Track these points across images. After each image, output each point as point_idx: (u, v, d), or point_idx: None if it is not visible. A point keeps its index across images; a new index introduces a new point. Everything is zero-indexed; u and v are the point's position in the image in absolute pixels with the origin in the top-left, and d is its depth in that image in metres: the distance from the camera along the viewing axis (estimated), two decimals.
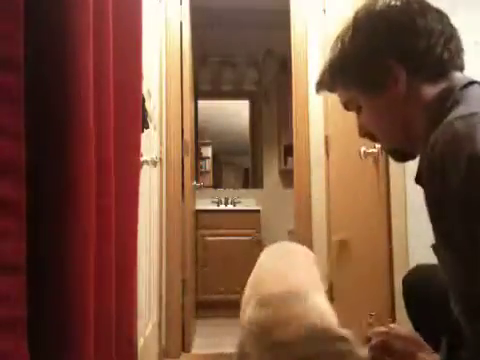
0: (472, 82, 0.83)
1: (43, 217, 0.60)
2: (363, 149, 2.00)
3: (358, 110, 0.96)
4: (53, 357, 0.58)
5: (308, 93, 2.89)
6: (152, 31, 2.44)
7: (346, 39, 0.92)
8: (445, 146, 0.69)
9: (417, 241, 1.78)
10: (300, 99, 2.90)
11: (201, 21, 3.65)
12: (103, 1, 0.84)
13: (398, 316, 1.79)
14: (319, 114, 2.85)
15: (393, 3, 0.87)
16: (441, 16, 0.87)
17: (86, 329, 0.61)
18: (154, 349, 2.44)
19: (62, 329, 0.58)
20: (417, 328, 1.14)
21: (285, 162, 4.60)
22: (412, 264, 1.74)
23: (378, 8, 0.89)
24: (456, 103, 0.80)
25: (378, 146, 1.93)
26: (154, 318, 2.45)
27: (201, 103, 4.69)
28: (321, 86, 1.01)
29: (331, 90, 1.00)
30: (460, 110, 0.75)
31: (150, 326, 2.29)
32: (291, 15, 2.95)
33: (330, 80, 0.98)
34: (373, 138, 0.99)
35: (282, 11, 3.06)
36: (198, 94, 4.48)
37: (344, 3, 2.45)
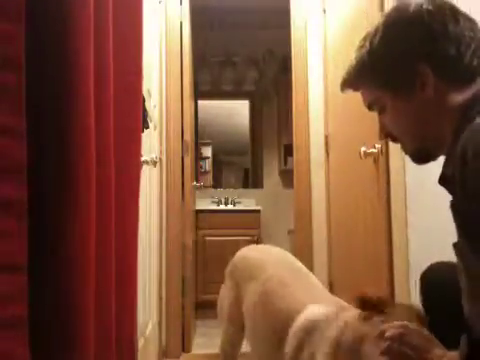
0: None
1: (43, 217, 0.60)
2: (363, 149, 2.00)
3: (381, 110, 0.97)
4: (53, 357, 0.58)
5: (308, 93, 2.89)
6: (152, 31, 2.44)
7: (376, 39, 0.92)
8: (476, 149, 0.70)
9: (417, 241, 1.78)
10: (300, 99, 2.90)
11: (201, 21, 3.65)
12: (103, 1, 0.84)
13: None
14: (319, 114, 2.85)
15: (425, 7, 0.88)
16: (472, 23, 0.88)
17: (86, 329, 0.61)
18: (154, 349, 2.44)
19: (62, 329, 0.58)
20: (432, 325, 1.14)
21: (285, 162, 4.60)
22: (412, 263, 1.74)
23: (411, 10, 0.89)
24: None
25: (378, 146, 1.93)
26: (154, 318, 2.45)
27: (201, 103, 4.69)
28: (347, 84, 1.02)
29: (356, 89, 1.01)
30: None
31: (150, 326, 2.29)
32: (291, 15, 2.95)
33: (357, 79, 0.98)
34: (394, 139, 0.99)
35: (282, 11, 3.07)
36: (198, 94, 4.48)
37: (344, 3, 2.45)
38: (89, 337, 0.62)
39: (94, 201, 0.69)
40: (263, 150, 4.77)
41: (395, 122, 0.95)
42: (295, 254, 2.98)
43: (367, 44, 0.94)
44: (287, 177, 4.43)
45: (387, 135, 0.99)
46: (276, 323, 1.26)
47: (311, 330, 1.11)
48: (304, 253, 2.83)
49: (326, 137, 2.82)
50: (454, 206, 0.75)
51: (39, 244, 0.57)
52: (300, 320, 1.17)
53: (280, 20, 3.22)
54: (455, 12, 0.88)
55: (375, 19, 1.97)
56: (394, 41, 0.90)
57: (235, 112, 4.88)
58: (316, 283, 1.40)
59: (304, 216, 2.86)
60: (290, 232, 3.91)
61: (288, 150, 4.20)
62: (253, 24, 4.35)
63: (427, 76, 0.86)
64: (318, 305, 1.17)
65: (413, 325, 0.94)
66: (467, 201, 0.71)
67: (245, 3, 4.21)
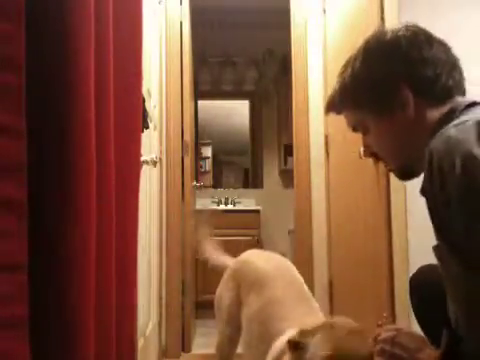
0: (474, 103, 0.88)
1: (43, 216, 0.60)
2: (363, 149, 1.99)
3: (365, 132, 1.02)
4: (53, 357, 0.58)
5: (308, 93, 2.89)
6: (152, 31, 2.44)
7: (357, 64, 0.97)
8: (440, 152, 0.73)
9: (417, 241, 1.78)
10: (300, 99, 2.90)
11: (201, 21, 3.65)
12: (103, 1, 0.84)
13: (398, 315, 1.79)
14: (319, 114, 2.85)
15: (402, 33, 0.94)
16: (445, 47, 0.94)
17: (86, 329, 0.62)
18: (154, 349, 2.44)
19: (62, 329, 0.58)
20: (423, 327, 1.16)
21: (285, 162, 4.60)
22: (412, 264, 1.74)
23: (388, 37, 0.95)
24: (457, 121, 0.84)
25: None
26: (154, 318, 2.45)
27: (201, 103, 4.69)
28: (330, 108, 1.08)
29: (339, 112, 1.07)
30: (454, 123, 0.79)
31: (150, 326, 2.29)
32: (291, 15, 2.95)
33: (340, 103, 1.04)
34: (377, 158, 1.06)
35: (282, 11, 3.07)
36: (198, 94, 4.48)
37: (344, 3, 2.45)
38: (89, 337, 0.62)
39: (94, 201, 0.69)
40: (263, 150, 4.78)
41: (379, 142, 1.00)
42: (295, 254, 2.98)
43: (349, 69, 0.99)
44: (287, 177, 4.44)
45: (371, 155, 1.05)
46: (266, 340, 1.30)
47: (283, 352, 1.14)
48: (304, 253, 2.83)
49: (326, 137, 2.82)
50: (431, 210, 0.78)
51: (39, 244, 0.57)
52: (279, 341, 1.22)
53: (280, 20, 3.22)
54: (429, 38, 0.94)
55: (375, 19, 1.97)
56: (375, 66, 0.95)
57: (235, 112, 4.88)
58: (314, 306, 1.43)
59: (304, 216, 2.86)
60: (290, 232, 3.91)
61: (288, 150, 4.21)
62: (253, 24, 4.35)
63: (407, 97, 0.91)
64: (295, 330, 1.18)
65: (408, 327, 0.96)
66: (441, 206, 0.74)
67: (245, 3, 4.21)
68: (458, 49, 0.97)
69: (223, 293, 1.68)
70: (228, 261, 1.83)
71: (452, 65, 0.93)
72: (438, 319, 1.02)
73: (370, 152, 1.04)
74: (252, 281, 1.52)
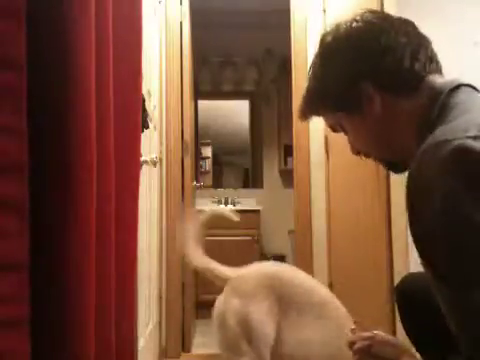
0: (458, 85, 0.83)
1: (43, 216, 0.60)
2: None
3: (344, 131, 0.99)
4: (53, 356, 0.58)
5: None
6: (152, 31, 2.44)
7: (317, 68, 0.95)
8: (418, 185, 0.71)
9: None
10: (300, 99, 2.89)
11: (201, 21, 3.65)
12: (103, 1, 0.84)
13: (398, 315, 1.78)
14: None
15: (355, 25, 0.90)
16: (405, 26, 0.88)
17: (87, 328, 0.62)
18: (154, 349, 2.44)
19: (62, 328, 0.58)
20: (409, 334, 1.15)
21: (285, 162, 4.60)
22: (412, 264, 1.74)
23: (342, 31, 0.91)
24: (442, 112, 0.80)
25: None
26: (154, 318, 2.45)
27: (201, 103, 4.69)
28: (302, 114, 1.04)
29: (309, 117, 1.04)
30: (439, 132, 0.74)
31: (150, 326, 2.29)
32: (291, 15, 2.95)
33: (310, 107, 1.01)
34: (365, 156, 1.02)
35: (282, 11, 3.06)
36: (198, 94, 4.48)
37: (344, 3, 2.45)
38: (89, 337, 0.62)
39: (94, 201, 0.69)
40: (263, 150, 4.77)
41: (358, 140, 0.97)
42: (295, 254, 2.98)
43: (311, 73, 0.97)
44: (287, 177, 4.43)
45: (359, 152, 1.01)
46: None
47: None
48: (304, 253, 2.83)
49: (326, 137, 2.82)
50: (412, 235, 0.76)
51: (39, 243, 0.57)
52: None
53: (280, 20, 3.22)
54: (385, 22, 0.89)
55: None
56: (332, 67, 0.92)
57: (235, 112, 4.88)
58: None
59: (304, 216, 2.86)
60: (290, 232, 3.91)
61: (288, 150, 4.20)
62: (253, 24, 4.35)
63: (371, 92, 0.87)
64: None
65: (384, 334, 0.95)
66: (414, 224, 0.73)
67: (245, 3, 4.21)
68: (458, 49, 0.95)
69: (254, 310, 1.39)
70: (229, 272, 1.64)
71: (415, 46, 0.86)
72: (425, 326, 1.02)
73: (357, 150, 1.01)
74: (299, 301, 1.36)
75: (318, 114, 1.01)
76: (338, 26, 0.92)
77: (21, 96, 0.48)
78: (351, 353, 0.94)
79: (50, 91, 0.60)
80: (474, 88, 0.84)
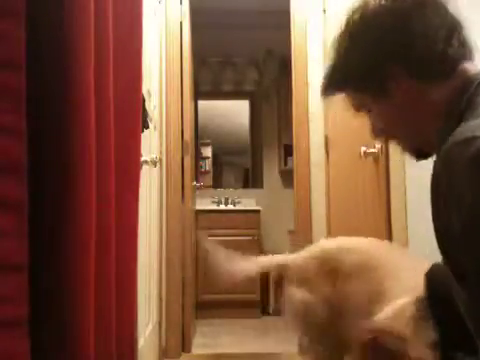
0: None
1: (43, 217, 0.60)
2: (363, 149, 2.00)
3: (367, 111, 0.95)
4: (53, 356, 0.58)
5: (308, 93, 2.89)
6: (152, 31, 2.44)
7: (341, 46, 0.91)
8: (443, 182, 0.69)
9: (417, 241, 1.78)
10: (300, 99, 2.90)
11: (201, 21, 3.65)
12: (103, 1, 0.84)
13: None
14: (319, 114, 2.85)
15: (384, 2, 0.83)
16: (438, 7, 0.81)
17: (86, 329, 0.62)
18: (154, 349, 2.44)
19: (62, 328, 0.58)
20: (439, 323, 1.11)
21: (285, 162, 4.60)
22: None
23: (370, 8, 0.85)
24: (471, 104, 0.76)
25: (378, 146, 1.93)
26: (154, 318, 2.45)
27: (201, 103, 4.69)
28: (325, 91, 0.98)
29: (338, 93, 0.98)
30: (466, 128, 0.70)
31: (150, 326, 2.29)
32: (291, 15, 2.95)
33: (333, 87, 0.96)
34: (387, 137, 0.98)
35: (282, 11, 3.06)
36: (198, 94, 4.48)
37: (344, 3, 2.45)
38: (89, 337, 0.62)
39: (94, 201, 0.69)
40: (263, 150, 4.77)
41: (382, 121, 0.93)
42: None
43: (335, 53, 0.92)
44: (287, 177, 4.43)
45: (378, 134, 0.97)
46: None
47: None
48: None
49: (326, 137, 2.82)
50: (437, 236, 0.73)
51: (39, 244, 0.57)
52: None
53: (280, 20, 3.22)
54: (417, 2, 0.82)
55: None
56: (359, 47, 0.87)
57: (235, 112, 4.88)
58: None
59: (304, 216, 2.86)
60: (290, 232, 3.91)
61: (288, 150, 4.20)
62: (253, 24, 4.35)
63: (399, 75, 0.82)
64: None
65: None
66: (438, 220, 0.70)
67: (245, 3, 4.21)
68: None
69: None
70: (263, 262, 1.49)
71: (449, 29, 0.80)
72: (452, 316, 0.99)
73: (376, 132, 0.96)
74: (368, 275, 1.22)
75: (338, 92, 0.96)
76: (366, 2, 0.85)
77: (20, 96, 0.48)
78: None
79: (49, 91, 0.60)
80: None
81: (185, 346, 2.84)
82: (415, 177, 1.76)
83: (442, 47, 0.79)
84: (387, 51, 0.82)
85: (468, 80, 0.78)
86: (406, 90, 0.83)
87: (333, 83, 0.95)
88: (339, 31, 0.91)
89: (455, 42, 0.79)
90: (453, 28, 0.80)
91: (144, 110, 1.74)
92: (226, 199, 4.53)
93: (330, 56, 0.95)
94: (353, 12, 0.88)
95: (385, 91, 0.85)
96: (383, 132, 0.95)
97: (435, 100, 0.81)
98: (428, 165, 0.98)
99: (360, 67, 0.87)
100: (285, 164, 4.59)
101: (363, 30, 0.86)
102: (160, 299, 2.67)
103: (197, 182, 3.83)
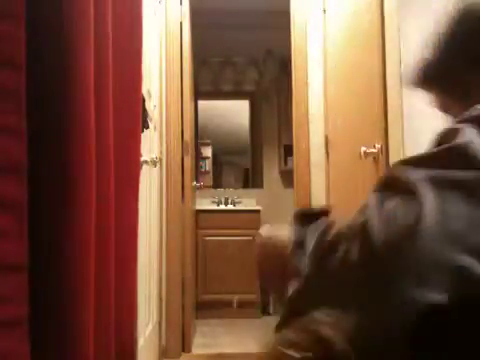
0: None
1: (43, 217, 0.60)
2: (363, 149, 2.00)
3: (450, 114, 0.93)
4: (53, 356, 0.58)
5: (308, 93, 2.89)
6: (152, 31, 2.44)
7: (442, 44, 0.88)
8: None
9: None
10: (300, 99, 2.90)
11: (201, 21, 3.65)
12: (103, 1, 0.84)
13: None
14: (319, 114, 2.86)
15: None
16: None
17: (86, 329, 0.62)
18: (154, 349, 2.44)
19: (62, 328, 0.58)
20: None
21: (285, 162, 4.60)
22: None
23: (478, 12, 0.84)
24: None
25: (378, 146, 1.93)
26: (154, 318, 2.45)
27: (201, 103, 4.69)
28: (415, 85, 0.97)
29: (421, 89, 0.96)
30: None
31: (150, 326, 2.29)
32: (291, 15, 2.95)
33: (423, 84, 0.95)
34: None
35: (282, 11, 3.07)
36: (198, 94, 4.48)
37: (344, 3, 2.45)
38: (88, 337, 0.62)
39: (94, 201, 0.69)
40: (263, 150, 4.78)
41: None
42: None
43: (433, 50, 0.90)
44: (287, 177, 4.44)
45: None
46: None
47: None
48: None
49: (326, 137, 2.82)
50: None
51: (39, 244, 0.57)
52: None
53: (280, 20, 3.22)
54: None
55: (375, 19, 1.97)
56: (459, 50, 0.86)
57: (235, 112, 4.88)
58: None
59: None
60: None
61: (288, 150, 4.21)
62: (253, 24, 4.35)
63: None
64: None
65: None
66: None
67: (245, 3, 4.21)
68: None
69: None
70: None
71: None
72: None
73: None
74: None
75: (429, 91, 0.95)
76: (475, 5, 0.85)
77: (20, 96, 0.48)
78: None
79: (49, 91, 0.60)
80: None
81: (185, 346, 2.84)
82: None
83: None
84: None
85: None
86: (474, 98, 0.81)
87: (423, 81, 0.93)
88: (443, 26, 0.89)
89: None
90: None
91: (144, 110, 1.74)
92: (226, 199, 4.54)
93: (426, 50, 0.92)
94: (459, 11, 0.87)
95: (467, 96, 0.84)
96: None
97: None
98: None
99: (454, 70, 0.86)
100: (285, 164, 4.60)
101: (468, 32, 0.85)
102: (160, 299, 2.67)
103: (197, 182, 3.83)
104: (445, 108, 0.93)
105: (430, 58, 0.89)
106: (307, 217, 0.78)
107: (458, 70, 0.85)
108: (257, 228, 4.12)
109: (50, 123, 0.60)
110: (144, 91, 1.72)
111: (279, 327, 0.64)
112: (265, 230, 0.86)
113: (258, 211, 4.17)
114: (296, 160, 2.92)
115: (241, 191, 4.68)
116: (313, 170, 2.86)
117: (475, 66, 0.82)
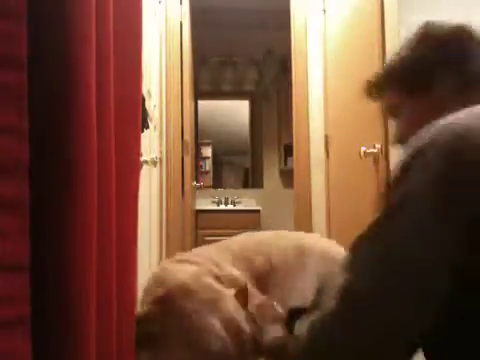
0: None
1: (44, 217, 0.60)
2: (363, 149, 2.00)
3: (398, 115, 1.07)
4: (54, 356, 0.58)
5: (308, 93, 2.89)
6: (152, 31, 2.44)
7: (407, 50, 1.05)
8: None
9: None
10: (300, 99, 2.90)
11: (201, 21, 3.65)
12: (104, 1, 0.84)
13: None
14: (319, 114, 2.86)
15: (452, 26, 1.01)
16: None
17: (88, 329, 0.62)
18: None
19: (63, 329, 0.58)
20: None
21: (285, 162, 4.61)
22: None
23: (440, 28, 1.02)
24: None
25: (378, 146, 1.93)
26: None
27: (201, 103, 4.69)
28: (374, 88, 1.13)
29: (381, 92, 1.11)
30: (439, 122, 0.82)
31: None
32: (291, 15, 2.95)
33: (385, 83, 1.09)
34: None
35: (282, 11, 3.07)
36: (198, 94, 4.48)
37: (344, 3, 2.45)
38: (90, 337, 0.62)
39: (95, 201, 0.69)
40: (263, 150, 4.78)
41: (411, 124, 1.03)
42: None
43: (397, 56, 1.06)
44: (287, 177, 4.44)
45: (399, 141, 1.07)
46: None
47: None
48: None
49: (326, 137, 2.82)
50: None
51: (40, 244, 0.57)
52: None
53: (280, 20, 3.22)
54: (474, 33, 1.01)
55: (375, 19, 1.97)
56: (422, 50, 1.01)
57: (235, 112, 4.88)
58: None
59: (304, 216, 2.86)
60: None
61: (288, 150, 4.21)
62: (253, 24, 4.35)
63: (446, 80, 0.96)
64: None
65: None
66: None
67: (245, 3, 4.22)
68: None
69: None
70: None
71: None
72: None
73: (399, 138, 1.07)
74: None
75: (386, 91, 1.09)
76: (434, 23, 1.04)
77: (22, 95, 0.48)
78: None
79: (51, 91, 0.60)
80: None
81: None
82: None
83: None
84: (445, 60, 0.98)
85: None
86: (445, 94, 0.97)
87: (387, 79, 1.08)
88: (407, 41, 1.07)
89: None
90: None
91: (144, 110, 1.74)
92: (226, 199, 4.54)
93: (389, 59, 1.10)
94: (423, 28, 1.05)
95: (430, 90, 0.98)
96: (402, 138, 1.06)
97: (456, 107, 0.93)
98: None
99: (418, 67, 1.01)
100: (285, 164, 4.60)
101: (430, 40, 1.02)
102: None
103: (197, 182, 3.84)
104: (398, 107, 1.06)
105: (399, 63, 1.05)
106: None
107: (425, 66, 0.99)
108: (257, 228, 4.11)
109: (52, 122, 0.60)
110: (144, 91, 1.72)
111: None
112: None
113: (258, 211, 4.17)
114: (296, 160, 2.92)
115: (241, 191, 4.68)
116: (313, 170, 2.86)
117: (444, 65, 0.97)
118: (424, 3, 2.00)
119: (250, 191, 4.69)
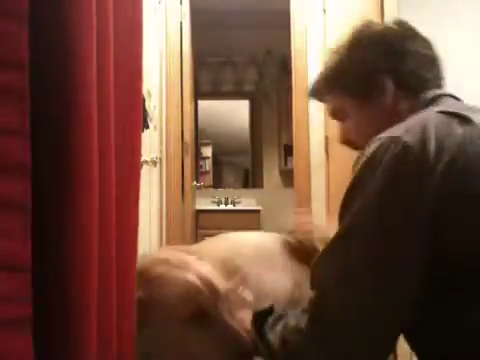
0: (442, 95, 0.92)
1: (45, 217, 0.60)
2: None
3: (343, 118, 1.06)
4: (55, 356, 0.59)
5: (308, 93, 2.89)
6: (152, 31, 2.44)
7: (344, 52, 1.02)
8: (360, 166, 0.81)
9: None
10: (300, 99, 2.90)
11: (201, 21, 3.65)
12: (104, 2, 0.84)
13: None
14: (319, 114, 2.86)
15: (389, 26, 1.01)
16: (428, 43, 0.99)
17: (89, 329, 0.62)
18: None
19: (64, 329, 0.59)
20: None
21: (285, 162, 4.61)
22: None
23: (375, 29, 1.01)
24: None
25: None
26: None
27: (201, 103, 4.69)
28: (314, 93, 1.12)
29: (322, 97, 1.11)
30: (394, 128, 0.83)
31: None
32: (291, 15, 2.95)
33: (324, 88, 1.07)
34: (354, 145, 1.08)
35: (282, 11, 3.07)
36: (198, 94, 4.48)
37: (344, 3, 2.46)
38: (91, 337, 0.62)
39: (96, 202, 0.69)
40: (263, 150, 4.78)
41: (355, 127, 1.04)
42: None
43: (336, 56, 1.03)
44: (287, 177, 4.44)
45: (345, 142, 1.09)
46: None
47: None
48: None
49: (326, 137, 2.82)
50: None
51: (41, 244, 0.57)
52: None
53: (280, 20, 3.22)
54: (414, 33, 1.00)
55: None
56: (360, 53, 0.99)
57: (235, 112, 4.88)
58: None
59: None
60: (290, 232, 3.91)
61: (288, 150, 4.21)
62: (253, 24, 4.35)
63: (387, 85, 0.96)
64: None
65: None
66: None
67: (245, 3, 4.22)
68: (458, 48, 0.99)
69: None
70: None
71: (432, 59, 0.97)
72: None
73: (345, 139, 1.08)
74: None
75: (326, 96, 1.08)
76: (372, 23, 1.03)
77: (24, 96, 0.48)
78: None
79: (52, 91, 0.60)
80: (455, 98, 0.93)
81: None
82: None
83: (424, 70, 0.95)
84: (383, 62, 0.97)
85: (435, 96, 0.93)
86: (388, 97, 0.96)
87: (325, 83, 1.07)
88: (342, 42, 1.04)
89: (435, 70, 0.97)
90: (435, 59, 0.98)
91: (144, 110, 1.74)
92: (226, 199, 4.54)
93: (326, 62, 1.08)
94: (359, 27, 1.02)
95: (370, 94, 0.97)
96: (349, 140, 1.08)
97: (401, 111, 0.95)
98: None
99: (357, 69, 0.99)
100: (285, 164, 4.60)
101: (367, 41, 1.00)
102: None
103: (197, 182, 3.84)
104: (340, 111, 1.06)
105: (336, 66, 1.03)
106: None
107: (364, 71, 0.98)
108: (257, 228, 4.12)
109: (53, 123, 0.60)
110: (144, 91, 1.72)
111: None
112: None
113: (258, 211, 4.17)
114: (296, 160, 2.92)
115: (241, 191, 4.68)
116: (313, 170, 2.86)
117: (382, 68, 0.96)
118: (424, 3, 2.00)
119: (250, 191, 4.69)
